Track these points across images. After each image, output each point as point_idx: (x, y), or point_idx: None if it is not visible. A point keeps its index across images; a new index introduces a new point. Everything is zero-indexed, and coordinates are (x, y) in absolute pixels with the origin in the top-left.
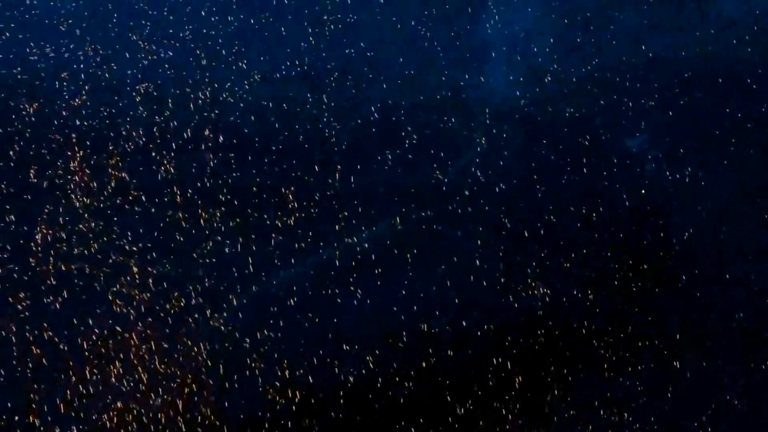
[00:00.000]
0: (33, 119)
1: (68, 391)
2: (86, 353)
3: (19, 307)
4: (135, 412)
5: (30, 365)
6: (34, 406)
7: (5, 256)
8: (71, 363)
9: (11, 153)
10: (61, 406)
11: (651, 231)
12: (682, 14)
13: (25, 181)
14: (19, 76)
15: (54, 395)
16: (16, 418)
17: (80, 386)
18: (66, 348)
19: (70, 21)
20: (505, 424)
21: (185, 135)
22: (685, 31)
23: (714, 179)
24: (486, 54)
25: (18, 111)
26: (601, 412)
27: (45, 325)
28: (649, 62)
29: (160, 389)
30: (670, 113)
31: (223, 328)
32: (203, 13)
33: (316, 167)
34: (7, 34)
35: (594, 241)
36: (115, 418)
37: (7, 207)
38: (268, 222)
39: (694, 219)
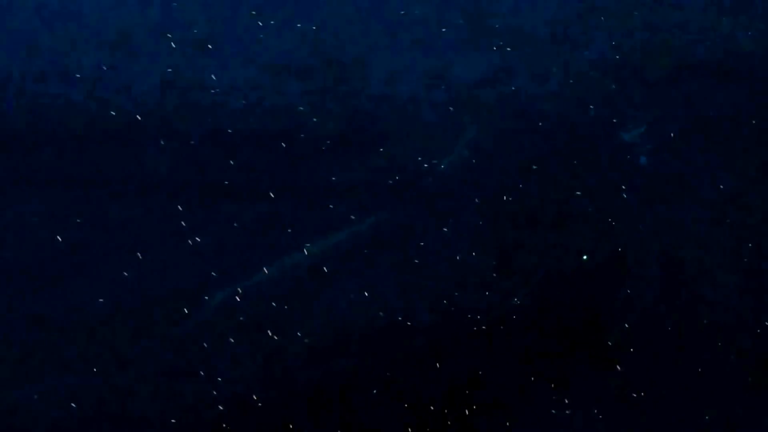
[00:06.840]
0: None
1: None
2: None
3: None
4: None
5: None
6: None
7: None
8: None
9: None
10: None
11: (645, 226)
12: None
13: None
14: None
15: None
16: None
17: None
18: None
19: None
20: (490, 421)
21: (172, 128)
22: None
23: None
24: (474, 44)
25: None
26: (594, 410)
27: None
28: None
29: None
30: (667, 107)
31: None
32: (194, 10)
33: (300, 161)
34: None
35: (586, 237)
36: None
37: None
38: (249, 217)
39: (687, 214)
